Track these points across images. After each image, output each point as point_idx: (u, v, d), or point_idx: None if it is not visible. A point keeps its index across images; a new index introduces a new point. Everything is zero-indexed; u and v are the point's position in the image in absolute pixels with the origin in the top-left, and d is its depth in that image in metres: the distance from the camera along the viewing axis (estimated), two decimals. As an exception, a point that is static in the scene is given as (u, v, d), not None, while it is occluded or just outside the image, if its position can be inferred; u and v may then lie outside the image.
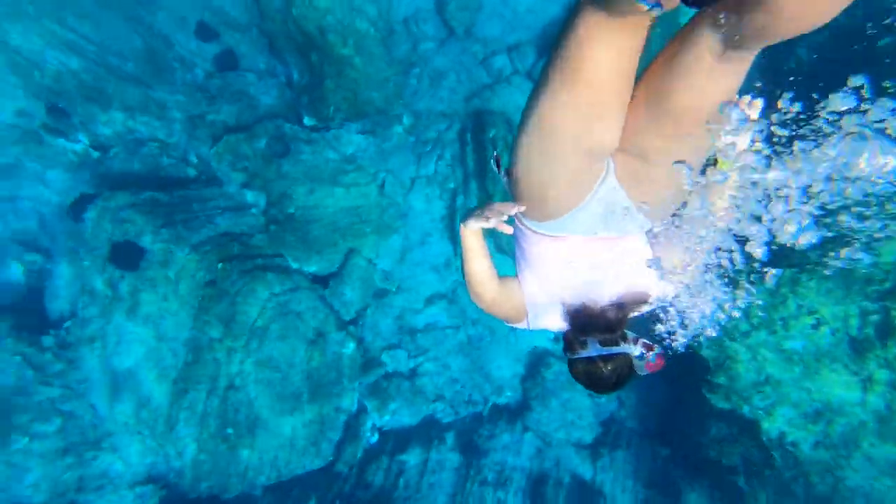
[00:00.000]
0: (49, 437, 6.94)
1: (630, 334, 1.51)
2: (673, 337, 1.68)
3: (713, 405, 5.61)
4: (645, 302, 1.55)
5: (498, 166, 1.65)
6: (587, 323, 1.53)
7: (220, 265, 6.64)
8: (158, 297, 6.79)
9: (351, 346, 6.88)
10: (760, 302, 5.08)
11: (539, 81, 1.30)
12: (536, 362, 7.86)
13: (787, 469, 5.38)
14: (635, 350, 1.48)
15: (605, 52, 1.17)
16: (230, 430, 6.37)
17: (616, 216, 1.45)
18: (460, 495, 6.64)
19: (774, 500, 5.46)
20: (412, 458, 6.75)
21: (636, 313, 1.58)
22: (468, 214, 1.63)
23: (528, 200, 1.50)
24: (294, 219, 7.04)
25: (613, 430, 7.31)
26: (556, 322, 1.65)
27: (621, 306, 1.52)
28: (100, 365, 7.07)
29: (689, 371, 5.94)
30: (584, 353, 1.49)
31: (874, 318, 4.88)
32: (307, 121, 7.59)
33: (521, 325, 1.77)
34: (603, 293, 1.55)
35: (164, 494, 6.94)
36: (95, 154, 8.18)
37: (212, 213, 7.23)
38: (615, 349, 1.47)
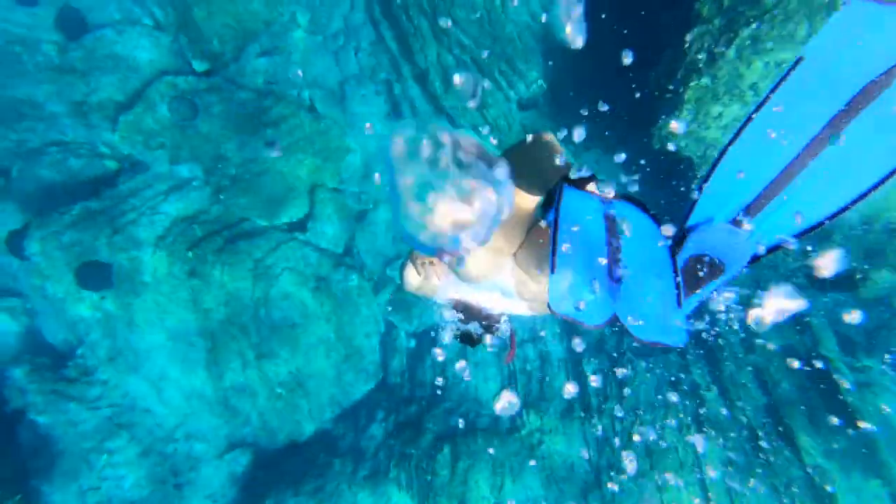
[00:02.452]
0: (124, 447, 7.39)
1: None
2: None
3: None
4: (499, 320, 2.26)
5: None
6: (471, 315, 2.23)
7: (189, 254, 6.37)
8: (149, 304, 6.67)
9: (354, 277, 6.94)
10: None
11: None
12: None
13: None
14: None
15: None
16: (280, 391, 6.77)
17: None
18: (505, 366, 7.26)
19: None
20: (452, 347, 7.27)
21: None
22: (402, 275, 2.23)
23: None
24: (240, 178, 6.54)
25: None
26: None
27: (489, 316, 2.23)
28: (132, 377, 7.25)
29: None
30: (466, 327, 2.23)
31: None
32: (197, 65, 6.58)
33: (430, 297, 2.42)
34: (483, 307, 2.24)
35: (253, 451, 7.69)
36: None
37: (154, 202, 6.71)
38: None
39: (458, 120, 7.17)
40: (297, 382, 6.90)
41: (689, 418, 5.75)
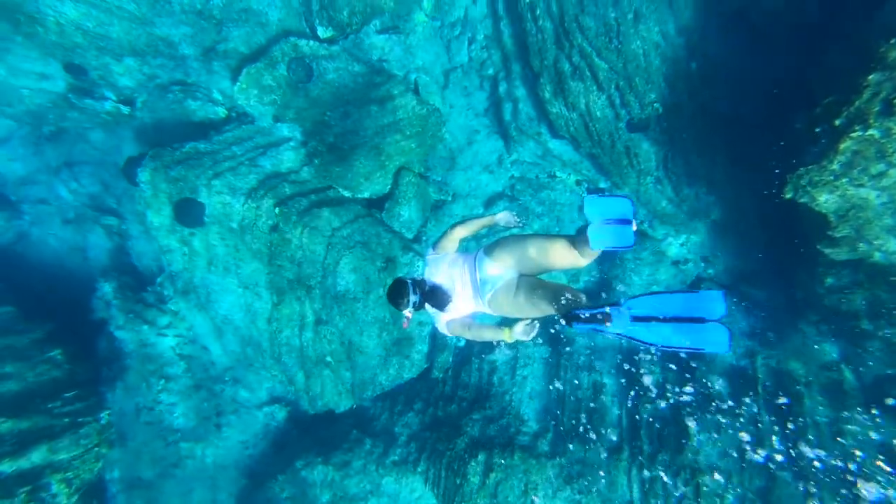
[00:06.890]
0: (180, 377, 7.82)
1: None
2: None
3: (831, 259, 5.19)
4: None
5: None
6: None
7: (276, 210, 6.60)
8: (230, 249, 6.99)
9: (420, 265, 6.92)
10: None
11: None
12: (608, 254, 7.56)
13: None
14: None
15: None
16: (329, 359, 6.89)
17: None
18: (557, 380, 6.93)
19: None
20: (500, 356, 7.07)
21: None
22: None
23: None
24: (336, 147, 6.69)
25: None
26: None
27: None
28: (199, 314, 7.63)
29: (789, 229, 5.47)
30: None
31: None
32: (322, 31, 6.79)
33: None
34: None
35: (289, 410, 7.91)
36: (125, 109, 7.98)
37: (253, 154, 7.02)
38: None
39: (560, 131, 6.95)
40: (346, 355, 6.99)
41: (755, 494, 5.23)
